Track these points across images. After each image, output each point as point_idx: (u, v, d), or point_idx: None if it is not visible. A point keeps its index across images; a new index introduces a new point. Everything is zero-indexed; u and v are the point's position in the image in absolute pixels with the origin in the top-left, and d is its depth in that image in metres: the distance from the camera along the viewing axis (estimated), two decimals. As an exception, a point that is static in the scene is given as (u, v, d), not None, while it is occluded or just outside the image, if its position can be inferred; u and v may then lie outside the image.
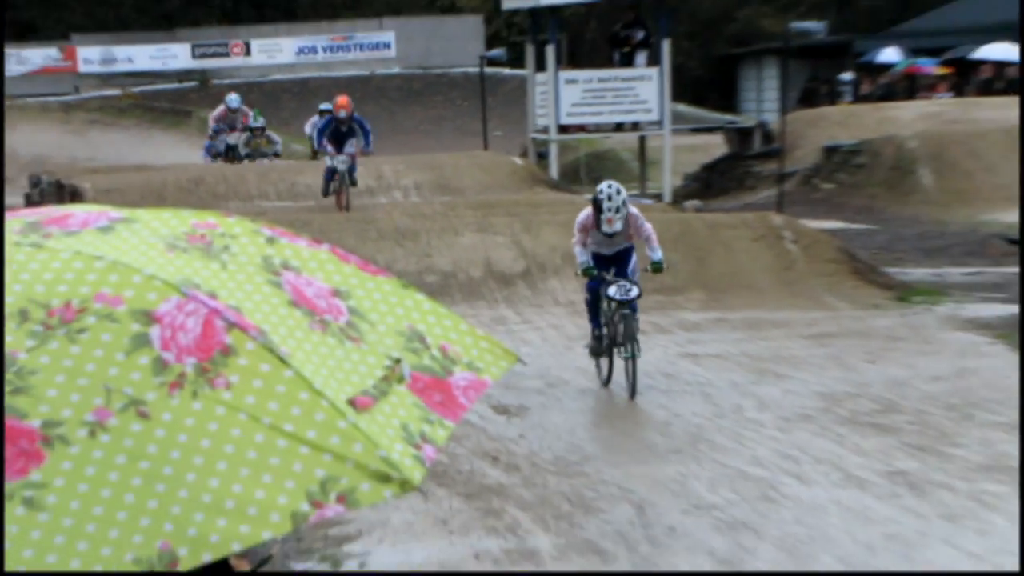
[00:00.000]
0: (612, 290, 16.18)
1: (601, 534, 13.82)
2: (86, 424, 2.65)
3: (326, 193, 31.17)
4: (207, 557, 2.60)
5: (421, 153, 40.49)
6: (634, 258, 16.72)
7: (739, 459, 16.15)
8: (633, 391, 16.26)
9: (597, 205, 16.47)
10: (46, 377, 2.62)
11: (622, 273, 16.40)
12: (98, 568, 2.54)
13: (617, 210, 16.30)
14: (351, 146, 31.34)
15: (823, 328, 22.52)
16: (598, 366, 17.18)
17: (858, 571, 6.72)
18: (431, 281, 22.82)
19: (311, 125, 43.38)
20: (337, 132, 31.33)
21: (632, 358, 16.35)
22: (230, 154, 43.74)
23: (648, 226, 16.84)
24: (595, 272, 16.61)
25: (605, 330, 16.85)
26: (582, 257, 16.76)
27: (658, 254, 16.80)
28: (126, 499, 2.61)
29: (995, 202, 37.39)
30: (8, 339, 2.75)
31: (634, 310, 16.51)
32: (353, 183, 30.92)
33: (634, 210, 16.72)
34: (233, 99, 44.13)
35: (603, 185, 16.95)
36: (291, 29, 61.73)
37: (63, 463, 2.57)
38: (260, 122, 43.75)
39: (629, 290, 16.08)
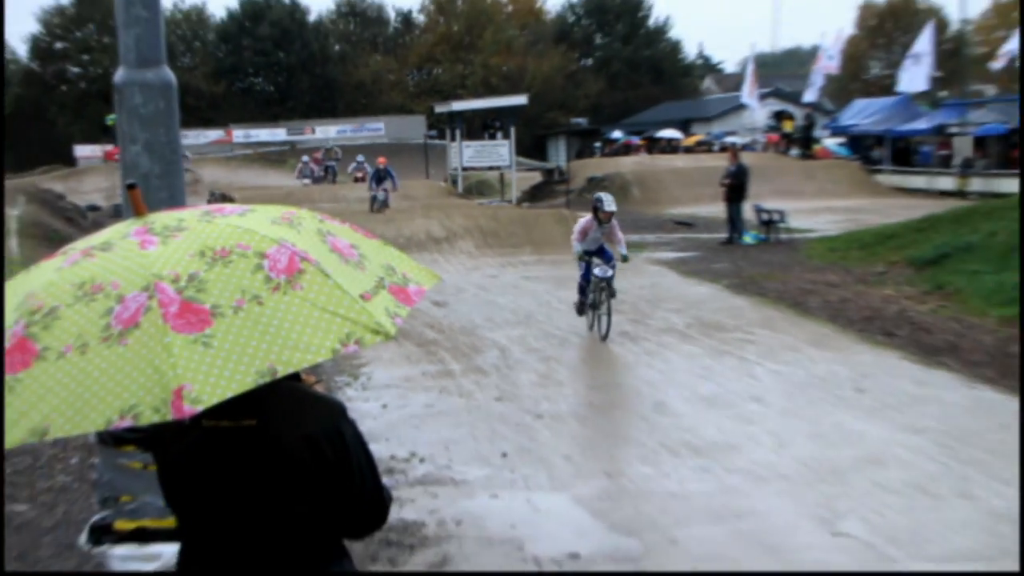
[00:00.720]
0: (597, 271, 14.80)
1: (483, 363, 13.76)
2: (232, 307, 2.67)
3: (372, 210, 31.26)
4: (290, 369, 2.66)
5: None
6: (610, 251, 15.25)
7: (549, 326, 16.11)
8: (606, 335, 14.72)
9: (597, 204, 15.11)
10: (212, 284, 2.67)
11: (606, 255, 15.05)
12: (238, 377, 2.58)
13: (612, 202, 15.19)
14: (386, 185, 32.51)
15: (588, 264, 22.70)
16: (587, 317, 15.57)
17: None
18: (400, 242, 22.62)
19: (351, 169, 43.76)
20: (378, 175, 32.76)
21: (608, 315, 14.82)
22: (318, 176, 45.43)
23: (620, 233, 15.39)
24: (587, 257, 15.13)
25: (591, 297, 15.31)
26: (578, 247, 15.28)
27: (624, 250, 15.34)
28: (252, 343, 2.64)
29: (667, 204, 37.63)
30: (195, 264, 2.77)
31: (610, 283, 14.91)
32: (387, 206, 31.48)
33: (615, 220, 15.30)
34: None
35: (601, 193, 15.75)
36: (335, 121, 61.29)
37: (222, 325, 2.62)
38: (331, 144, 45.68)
39: (607, 271, 14.71)
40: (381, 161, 33.53)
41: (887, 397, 11.45)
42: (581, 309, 15.65)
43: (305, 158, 45.10)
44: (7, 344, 2.67)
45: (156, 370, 2.53)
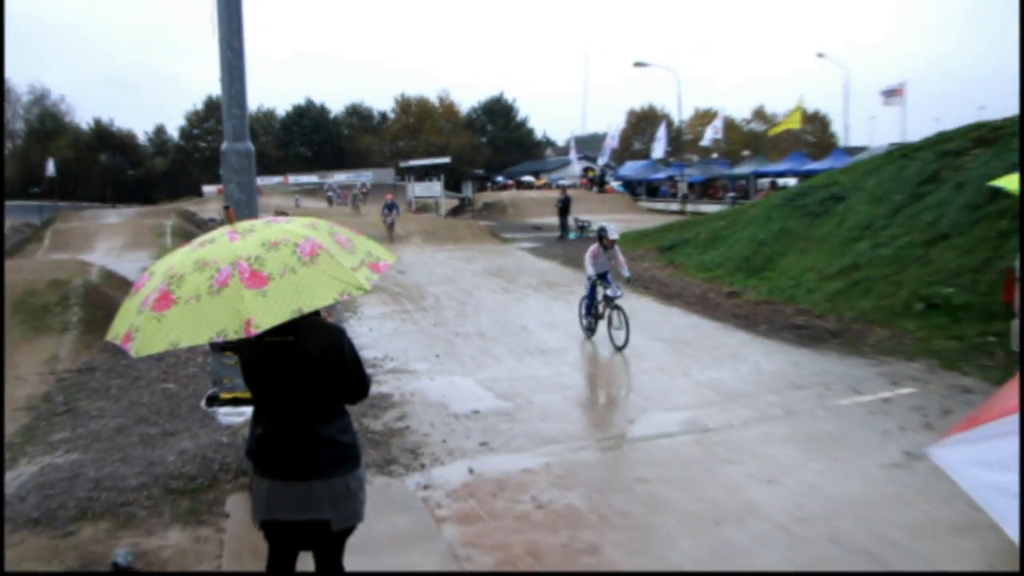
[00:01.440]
0: (609, 291, 10.18)
1: (426, 304, 13.54)
2: (279, 274, 2.72)
3: (386, 229, 25.28)
4: (311, 309, 2.72)
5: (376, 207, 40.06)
6: (611, 277, 10.49)
7: (462, 284, 15.79)
8: (624, 346, 9.72)
9: (602, 233, 10.61)
10: (269, 261, 2.78)
11: (607, 281, 10.35)
12: (281, 313, 2.67)
13: (614, 231, 10.73)
14: (394, 215, 25.72)
15: (483, 250, 22.07)
16: (587, 332, 10.56)
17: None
18: (378, 237, 22.15)
19: (355, 189, 40.54)
20: (388, 206, 25.73)
21: (626, 328, 9.82)
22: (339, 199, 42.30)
23: (623, 258, 10.74)
24: (596, 280, 10.41)
25: (593, 312, 10.56)
26: (591, 271, 10.49)
27: (627, 272, 10.59)
28: (289, 294, 2.68)
29: (527, 217, 36.12)
30: (260, 250, 2.82)
31: (618, 302, 10.11)
32: (394, 229, 25.37)
33: (617, 247, 10.65)
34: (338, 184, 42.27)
35: (605, 224, 11.25)
36: (344, 171, 58.46)
37: (273, 284, 2.70)
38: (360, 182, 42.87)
39: (617, 291, 10.17)
40: (388, 197, 27.71)
41: (644, 321, 11.55)
42: (588, 327, 10.71)
43: (329, 181, 43.35)
44: (155, 295, 2.76)
45: (236, 310, 2.66)
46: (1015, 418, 1.56)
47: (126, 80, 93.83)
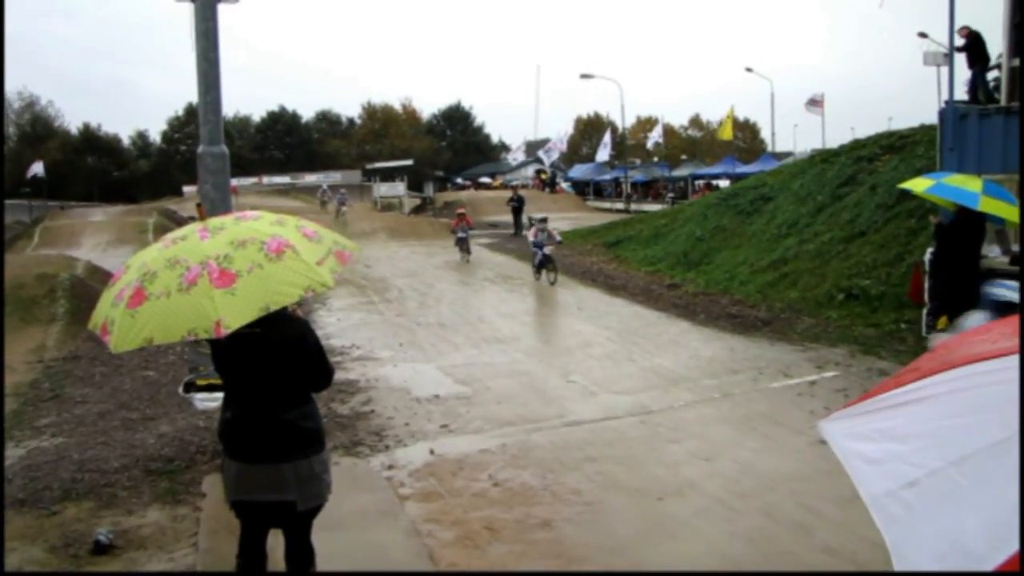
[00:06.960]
0: (547, 249, 13.73)
1: (390, 297, 13.37)
2: (247, 271, 2.65)
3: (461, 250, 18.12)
4: (277, 306, 2.68)
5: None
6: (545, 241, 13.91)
7: (424, 278, 15.59)
8: (554, 282, 13.58)
9: (542, 220, 13.98)
10: (237, 259, 2.68)
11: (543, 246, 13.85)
12: (249, 311, 2.61)
13: (545, 218, 13.88)
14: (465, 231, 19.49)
15: (443, 246, 21.63)
16: (535, 275, 14.23)
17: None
18: (347, 233, 21.71)
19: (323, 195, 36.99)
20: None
21: (555, 272, 13.78)
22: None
23: (557, 235, 14.04)
24: (536, 249, 14.03)
25: (538, 263, 13.97)
26: (532, 239, 14.27)
27: (558, 238, 14.18)
28: (257, 292, 2.63)
29: (485, 216, 34.10)
30: (229, 248, 2.76)
31: (550, 257, 13.85)
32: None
33: (552, 228, 13.72)
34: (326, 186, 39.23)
35: (537, 214, 13.69)
36: (314, 173, 56.27)
37: (241, 282, 2.64)
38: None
39: (548, 249, 13.77)
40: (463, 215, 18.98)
41: (592, 311, 11.61)
42: (536, 272, 14.25)
43: (324, 186, 40.48)
44: (130, 291, 2.69)
45: (205, 310, 2.61)
46: (887, 395, 1.67)
47: (102, 90, 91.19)
